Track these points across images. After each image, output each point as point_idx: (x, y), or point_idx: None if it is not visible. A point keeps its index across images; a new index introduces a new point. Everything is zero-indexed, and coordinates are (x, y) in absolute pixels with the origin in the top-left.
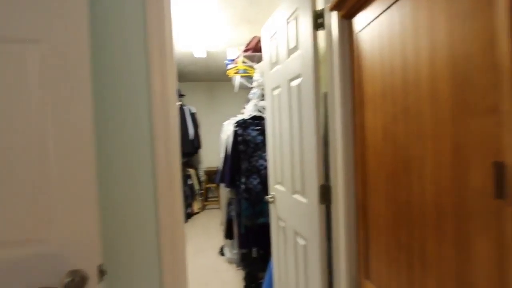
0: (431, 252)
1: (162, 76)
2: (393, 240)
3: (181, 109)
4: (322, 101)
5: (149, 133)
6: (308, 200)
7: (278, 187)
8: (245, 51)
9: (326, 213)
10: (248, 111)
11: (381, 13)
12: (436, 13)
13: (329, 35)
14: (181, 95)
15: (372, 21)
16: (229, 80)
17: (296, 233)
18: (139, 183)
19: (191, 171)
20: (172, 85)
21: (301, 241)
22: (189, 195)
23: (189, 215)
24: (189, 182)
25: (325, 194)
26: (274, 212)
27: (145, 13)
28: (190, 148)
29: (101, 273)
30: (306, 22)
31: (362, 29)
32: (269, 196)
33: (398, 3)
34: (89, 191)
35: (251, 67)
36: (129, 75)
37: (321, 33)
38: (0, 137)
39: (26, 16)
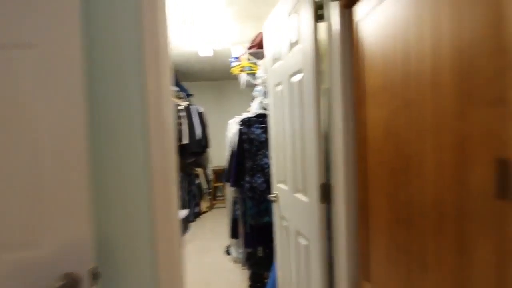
0: (431, 255)
1: (157, 77)
2: (393, 242)
3: (188, 109)
4: (324, 97)
5: (144, 136)
6: (310, 199)
7: (281, 185)
8: (250, 47)
9: (327, 212)
10: (253, 109)
11: (379, 1)
12: None
13: (329, 26)
14: (189, 95)
15: (372, 9)
16: (237, 78)
17: (299, 233)
18: (133, 186)
19: (199, 170)
20: (167, 85)
21: (303, 241)
22: (197, 195)
23: (197, 214)
24: (197, 181)
25: (326, 193)
26: (277, 211)
27: (139, 13)
28: (198, 147)
29: (95, 276)
30: (307, 14)
31: (363, 18)
32: (272, 195)
33: None
34: (81, 196)
35: (256, 64)
36: (123, 76)
37: (323, 26)
38: None
39: (22, 22)
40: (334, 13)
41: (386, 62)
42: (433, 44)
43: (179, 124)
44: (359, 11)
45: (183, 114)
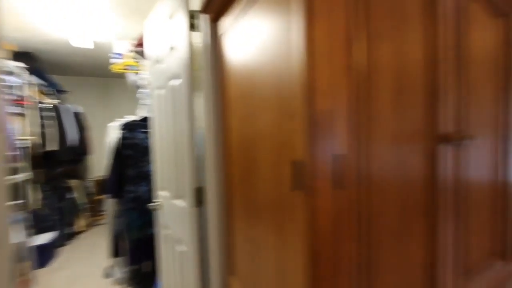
0: (266, 241)
1: None
2: (246, 235)
3: (58, 108)
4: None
5: None
6: (187, 204)
7: (163, 193)
8: (138, 45)
9: (203, 216)
10: (140, 112)
11: (235, 19)
12: (264, 25)
13: (202, 36)
14: (60, 91)
15: (230, 26)
16: (125, 76)
17: (179, 240)
18: None
19: (75, 182)
20: None
21: (183, 247)
22: (69, 212)
23: (69, 236)
24: (71, 195)
25: (200, 197)
26: (161, 220)
27: None
28: (72, 154)
29: None
30: (183, 22)
31: (224, 33)
32: (154, 203)
33: (247, 13)
34: None
35: (141, 63)
36: None
37: (199, 35)
38: None
39: None
40: (204, 24)
41: (239, 74)
42: (266, 63)
43: (43, 126)
44: (221, 27)
45: (51, 114)
